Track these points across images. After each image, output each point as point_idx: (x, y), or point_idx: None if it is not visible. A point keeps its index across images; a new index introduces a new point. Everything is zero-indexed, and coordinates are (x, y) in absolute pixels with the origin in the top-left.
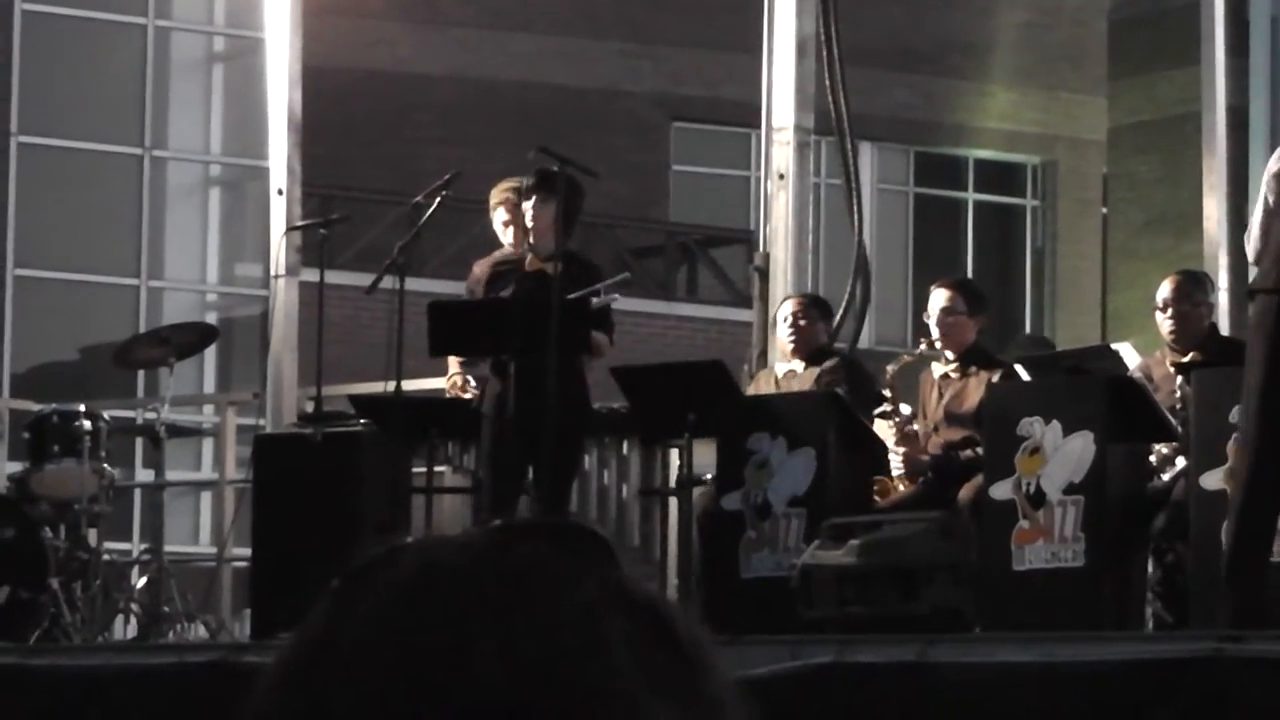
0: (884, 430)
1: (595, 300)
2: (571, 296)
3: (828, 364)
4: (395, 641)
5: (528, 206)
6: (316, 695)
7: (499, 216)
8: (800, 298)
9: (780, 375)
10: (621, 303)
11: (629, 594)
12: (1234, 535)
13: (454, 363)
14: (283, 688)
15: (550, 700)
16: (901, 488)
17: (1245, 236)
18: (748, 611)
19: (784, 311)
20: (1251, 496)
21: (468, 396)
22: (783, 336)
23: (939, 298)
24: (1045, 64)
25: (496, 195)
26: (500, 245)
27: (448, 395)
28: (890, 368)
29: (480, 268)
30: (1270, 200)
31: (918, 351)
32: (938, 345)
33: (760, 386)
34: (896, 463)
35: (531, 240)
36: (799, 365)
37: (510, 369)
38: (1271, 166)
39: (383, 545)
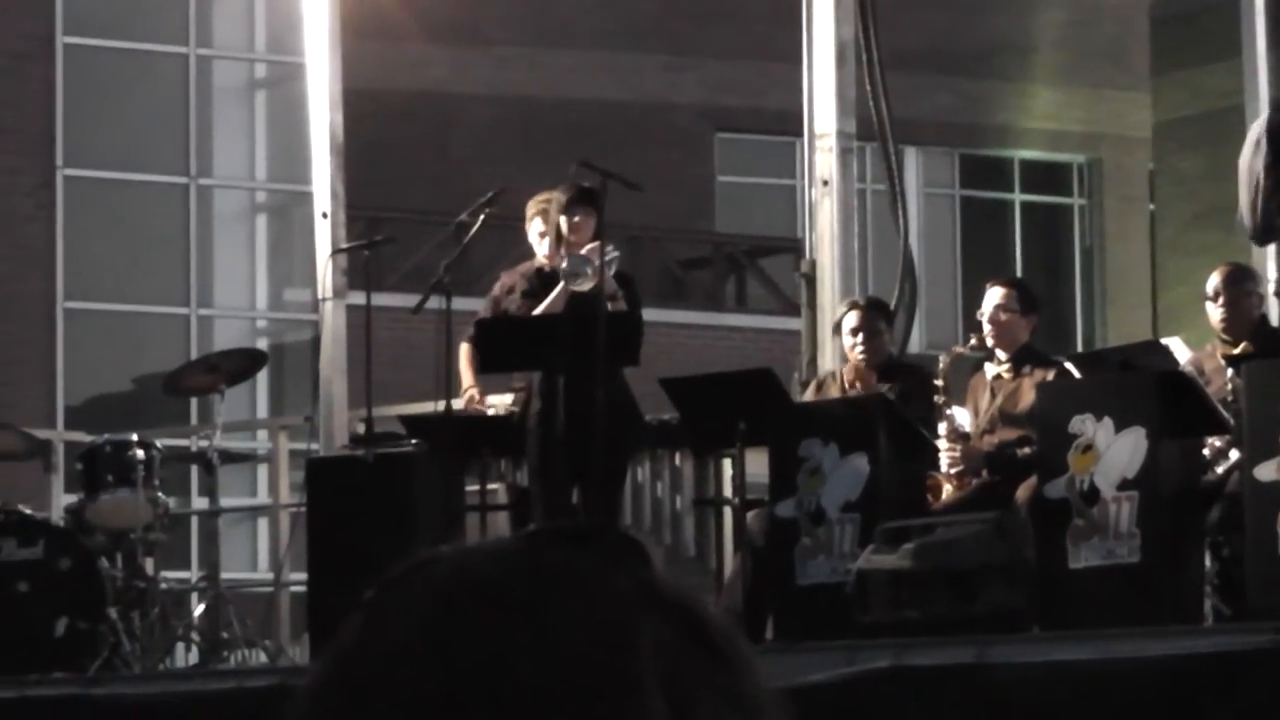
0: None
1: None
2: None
3: (902, 384)
4: (431, 647)
5: (567, 221)
6: (354, 700)
7: (535, 228)
8: (864, 309)
9: (848, 385)
10: (672, 315)
11: (661, 595)
12: None
13: (467, 378)
14: (322, 695)
15: (584, 701)
16: (949, 487)
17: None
18: (805, 618)
19: (849, 323)
20: None
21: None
22: (853, 350)
23: (993, 295)
24: (1087, 62)
25: (533, 207)
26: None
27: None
28: (943, 359)
29: (510, 277)
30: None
31: (971, 344)
32: (989, 343)
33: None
34: (945, 459)
35: (568, 253)
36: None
37: (559, 384)
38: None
39: (414, 557)
